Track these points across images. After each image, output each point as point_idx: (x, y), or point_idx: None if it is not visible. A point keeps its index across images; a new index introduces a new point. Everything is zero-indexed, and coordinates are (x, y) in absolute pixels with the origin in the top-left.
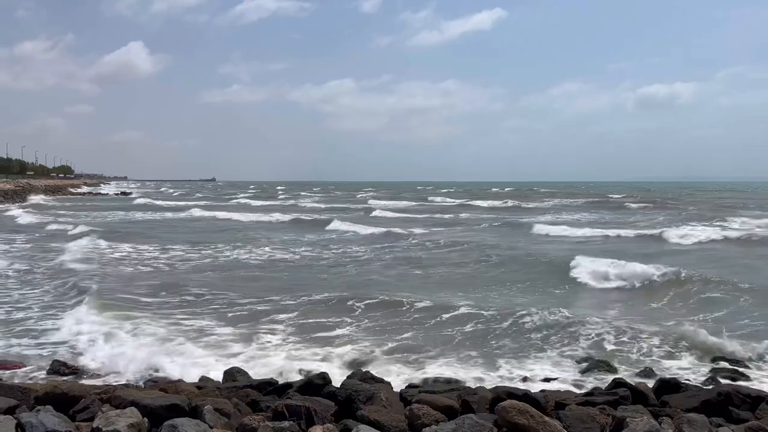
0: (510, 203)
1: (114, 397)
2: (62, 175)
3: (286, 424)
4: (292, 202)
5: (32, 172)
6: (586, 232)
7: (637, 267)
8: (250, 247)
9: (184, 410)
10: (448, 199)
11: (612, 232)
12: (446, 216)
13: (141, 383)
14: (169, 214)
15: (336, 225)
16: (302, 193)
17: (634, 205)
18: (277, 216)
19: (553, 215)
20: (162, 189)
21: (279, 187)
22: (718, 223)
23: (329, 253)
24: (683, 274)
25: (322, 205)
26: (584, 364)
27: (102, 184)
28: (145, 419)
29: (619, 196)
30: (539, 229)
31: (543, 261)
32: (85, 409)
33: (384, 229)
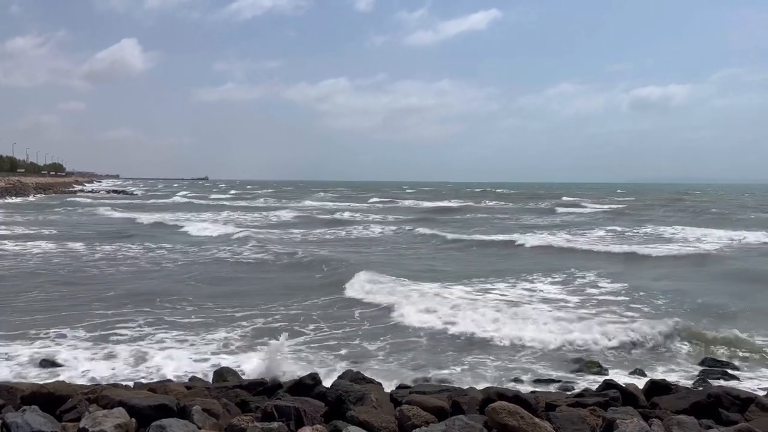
0: (455, 204)
1: (101, 397)
2: (53, 173)
3: (275, 424)
4: (235, 202)
5: (23, 170)
6: (462, 236)
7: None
8: (66, 243)
9: (172, 410)
10: (399, 201)
11: (483, 238)
12: (355, 216)
13: (130, 383)
14: (76, 211)
15: (190, 227)
16: (259, 192)
17: (562, 210)
18: (153, 216)
19: (466, 216)
20: (129, 187)
21: (249, 186)
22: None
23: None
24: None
25: (249, 204)
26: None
27: (86, 183)
28: (133, 420)
29: (574, 199)
30: (420, 231)
31: (333, 274)
32: (72, 409)
33: (240, 232)
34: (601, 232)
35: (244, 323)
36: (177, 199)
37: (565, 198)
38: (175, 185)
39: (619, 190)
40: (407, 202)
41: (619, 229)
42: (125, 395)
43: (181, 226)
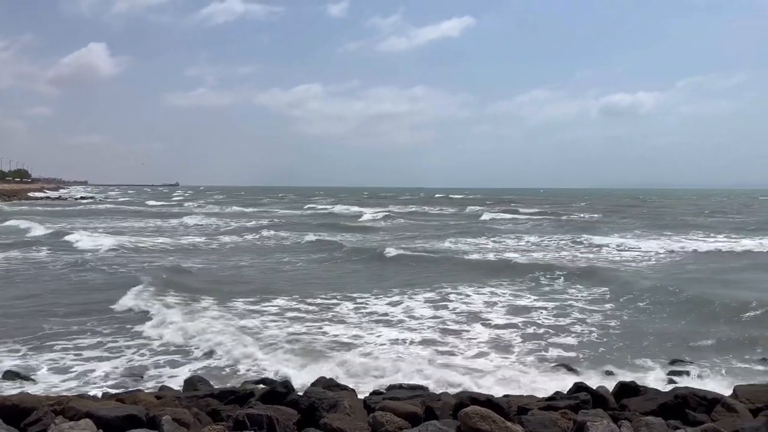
0: (398, 209)
1: (68, 409)
2: (18, 180)
3: None
4: (163, 209)
5: None
6: (354, 245)
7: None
8: None
9: (141, 421)
10: (340, 206)
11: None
12: (273, 221)
13: (98, 393)
14: None
15: (79, 238)
16: (207, 197)
17: (488, 217)
18: (56, 225)
19: (390, 223)
20: (74, 193)
21: (209, 192)
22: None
23: None
24: None
25: (171, 210)
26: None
27: (48, 191)
28: (101, 431)
29: (515, 206)
30: (311, 238)
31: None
32: (37, 422)
33: (119, 242)
34: (503, 240)
35: None
36: (107, 206)
37: (512, 205)
38: (131, 192)
39: (585, 196)
40: (338, 207)
41: (529, 237)
42: (92, 406)
43: (71, 236)
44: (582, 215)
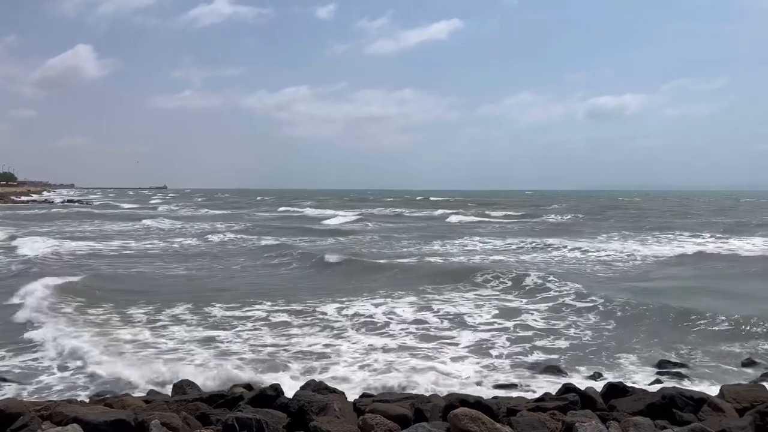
0: (376, 211)
1: (55, 414)
2: (4, 183)
3: None
4: (136, 211)
5: None
6: (310, 250)
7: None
8: None
9: (130, 426)
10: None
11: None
12: (233, 226)
13: (86, 398)
14: None
15: (26, 243)
16: (188, 199)
17: (455, 220)
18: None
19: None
20: (57, 197)
21: (193, 195)
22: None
23: None
24: None
25: (141, 214)
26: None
27: (33, 194)
28: None
29: (484, 209)
30: (268, 242)
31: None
32: (24, 427)
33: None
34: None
35: None
36: (76, 208)
37: (491, 207)
38: (111, 194)
39: (560, 199)
40: (314, 211)
41: (512, 239)
42: (80, 411)
43: (18, 241)
44: (566, 216)
